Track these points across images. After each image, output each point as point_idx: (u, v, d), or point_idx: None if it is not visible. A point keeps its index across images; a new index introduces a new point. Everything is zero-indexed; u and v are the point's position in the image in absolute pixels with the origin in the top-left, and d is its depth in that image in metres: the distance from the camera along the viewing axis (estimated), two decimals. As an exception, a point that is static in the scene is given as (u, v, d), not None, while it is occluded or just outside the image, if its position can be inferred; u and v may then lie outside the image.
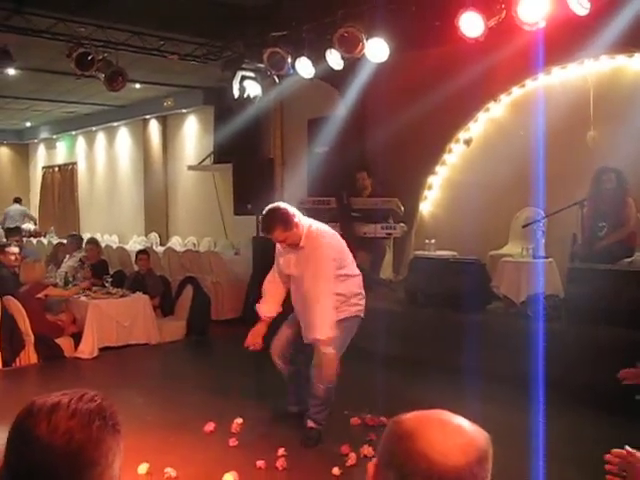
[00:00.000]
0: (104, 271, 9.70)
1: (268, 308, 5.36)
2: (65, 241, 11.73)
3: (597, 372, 5.98)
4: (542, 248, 7.25)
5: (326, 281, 4.88)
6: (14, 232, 13.18)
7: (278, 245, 5.20)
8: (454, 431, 1.27)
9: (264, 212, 4.99)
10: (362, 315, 5.20)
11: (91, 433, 1.37)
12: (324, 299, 4.85)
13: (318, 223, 5.14)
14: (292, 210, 4.97)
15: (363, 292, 5.23)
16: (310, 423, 5.08)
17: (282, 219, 4.88)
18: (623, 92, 7.79)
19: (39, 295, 8.00)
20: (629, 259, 7.01)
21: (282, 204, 5.03)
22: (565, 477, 4.38)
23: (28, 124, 18.45)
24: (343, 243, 5.18)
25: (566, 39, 7.17)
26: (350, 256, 5.20)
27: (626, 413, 5.33)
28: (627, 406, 5.38)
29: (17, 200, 17.61)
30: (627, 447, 1.84)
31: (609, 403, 5.56)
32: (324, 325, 4.79)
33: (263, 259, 10.07)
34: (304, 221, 5.03)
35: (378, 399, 5.46)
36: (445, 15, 6.96)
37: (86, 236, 15.88)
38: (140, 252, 9.93)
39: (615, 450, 1.86)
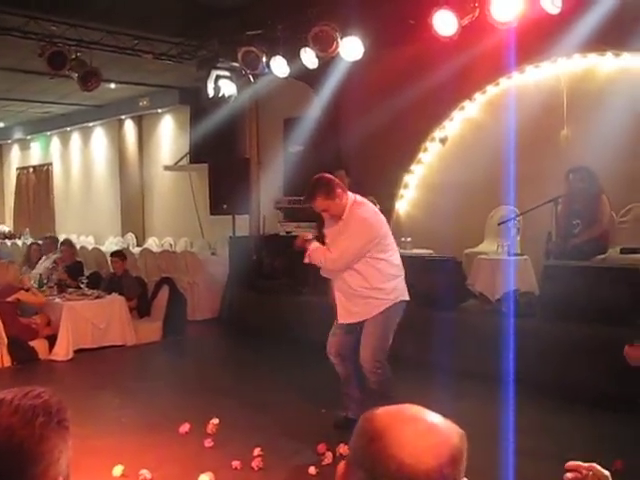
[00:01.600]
0: (79, 272, 9.62)
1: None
2: (39, 241, 11.63)
3: (571, 368, 6.05)
4: (516, 245, 7.30)
5: (353, 255, 4.91)
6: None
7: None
8: (427, 430, 1.23)
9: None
10: (407, 298, 5.15)
11: (34, 430, 1.34)
12: (340, 262, 4.94)
13: (363, 199, 5.13)
14: (335, 181, 4.98)
15: (401, 274, 5.17)
16: None
17: (324, 187, 4.91)
18: (595, 91, 7.85)
19: (9, 299, 7.91)
20: (602, 256, 7.07)
21: (327, 174, 5.04)
22: (538, 472, 4.39)
23: (1, 124, 18.21)
24: (385, 223, 5.15)
25: (539, 38, 7.23)
26: (391, 238, 5.16)
27: (599, 408, 5.38)
28: (600, 401, 5.44)
29: None
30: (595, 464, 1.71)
31: (584, 399, 5.61)
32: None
33: (240, 259, 10.12)
34: (349, 194, 5.02)
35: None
36: (419, 13, 6.98)
37: (62, 237, 15.80)
38: (114, 254, 9.79)
39: (571, 463, 1.74)
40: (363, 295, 5.01)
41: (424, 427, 1.23)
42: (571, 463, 1.65)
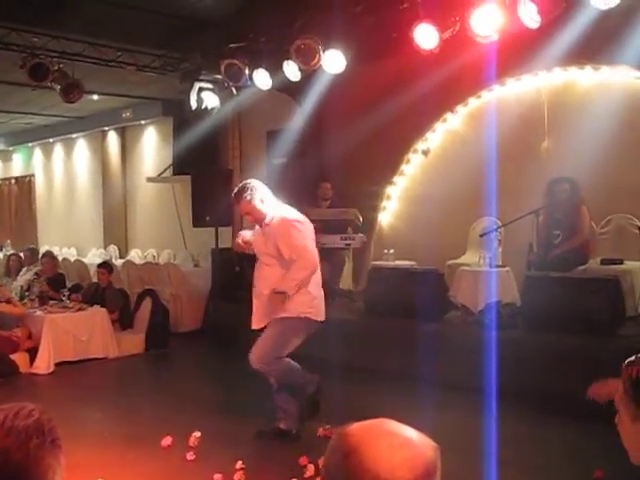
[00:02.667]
0: (61, 285, 9.55)
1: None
2: (19, 253, 11.55)
3: (553, 379, 6.08)
4: (498, 257, 7.34)
5: (310, 251, 5.09)
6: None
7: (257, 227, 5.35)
8: (401, 444, 1.24)
9: None
10: (316, 318, 5.19)
11: (28, 452, 1.33)
12: (305, 261, 5.05)
13: (289, 207, 5.30)
14: (263, 188, 5.19)
15: (317, 294, 5.24)
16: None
17: (250, 191, 5.12)
18: (575, 104, 7.95)
19: (-10, 311, 7.86)
20: (583, 267, 7.13)
21: (255, 180, 5.28)
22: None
23: (-17, 136, 18.14)
24: (312, 232, 5.30)
25: (520, 51, 7.31)
26: (316, 252, 5.24)
27: (581, 418, 5.41)
28: (582, 411, 5.46)
29: None
30: None
31: (566, 409, 5.63)
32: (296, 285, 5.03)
33: (222, 271, 10.09)
34: (273, 202, 5.22)
35: (337, 410, 5.45)
36: (401, 27, 7.02)
37: (44, 249, 15.66)
38: (101, 265, 9.74)
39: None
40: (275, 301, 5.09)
41: (399, 441, 1.24)
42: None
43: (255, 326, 5.27)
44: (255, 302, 5.29)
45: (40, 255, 10.78)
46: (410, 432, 1.28)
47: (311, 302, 5.16)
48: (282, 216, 5.14)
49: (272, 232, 5.12)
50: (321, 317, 5.23)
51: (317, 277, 5.24)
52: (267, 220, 5.16)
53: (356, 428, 1.28)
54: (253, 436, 5.38)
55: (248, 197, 5.11)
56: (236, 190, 5.21)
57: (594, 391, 2.64)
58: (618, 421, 1.92)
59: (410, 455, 1.22)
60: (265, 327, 5.19)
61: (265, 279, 5.18)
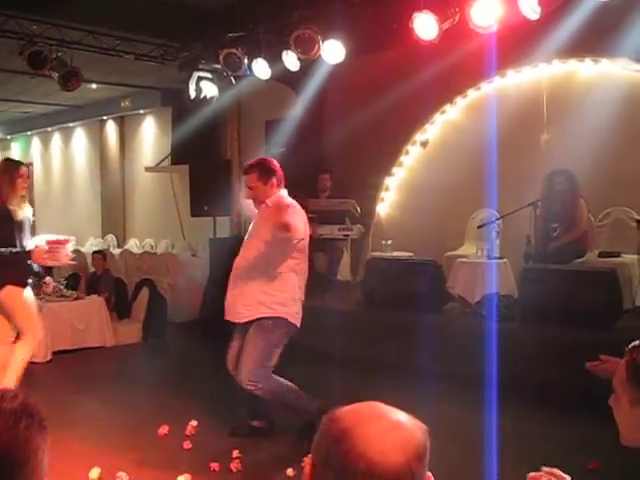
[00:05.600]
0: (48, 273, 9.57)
1: None
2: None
3: (549, 371, 6.09)
4: (496, 249, 7.34)
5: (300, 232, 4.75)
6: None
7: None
8: (392, 427, 1.25)
9: None
10: (291, 320, 4.99)
11: (18, 433, 1.34)
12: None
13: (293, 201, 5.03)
14: (279, 174, 4.97)
15: (295, 297, 5.04)
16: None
17: (265, 170, 4.93)
18: (575, 96, 7.94)
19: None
20: (581, 259, 7.14)
21: (275, 162, 5.04)
22: (518, 476, 4.42)
23: (-19, 124, 18.08)
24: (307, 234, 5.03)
25: (520, 43, 7.30)
26: (306, 257, 5.07)
27: (577, 411, 5.42)
28: (579, 402, 5.48)
29: None
30: (544, 468, 1.80)
31: (562, 401, 5.65)
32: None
33: (220, 260, 10.06)
34: (282, 191, 5.01)
35: (334, 401, 5.44)
36: (401, 17, 6.99)
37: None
38: (96, 252, 9.83)
39: (532, 474, 1.80)
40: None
41: (389, 424, 1.26)
42: (531, 474, 1.71)
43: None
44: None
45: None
46: (399, 415, 1.29)
47: (291, 304, 5.01)
48: (283, 205, 4.87)
49: (268, 216, 4.83)
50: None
51: (301, 279, 5.05)
52: (268, 202, 4.93)
53: (346, 412, 1.29)
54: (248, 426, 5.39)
55: (259, 173, 4.91)
56: (254, 162, 5.00)
57: (593, 365, 2.62)
58: (614, 402, 1.92)
59: (401, 438, 1.23)
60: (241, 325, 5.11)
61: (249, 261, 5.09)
